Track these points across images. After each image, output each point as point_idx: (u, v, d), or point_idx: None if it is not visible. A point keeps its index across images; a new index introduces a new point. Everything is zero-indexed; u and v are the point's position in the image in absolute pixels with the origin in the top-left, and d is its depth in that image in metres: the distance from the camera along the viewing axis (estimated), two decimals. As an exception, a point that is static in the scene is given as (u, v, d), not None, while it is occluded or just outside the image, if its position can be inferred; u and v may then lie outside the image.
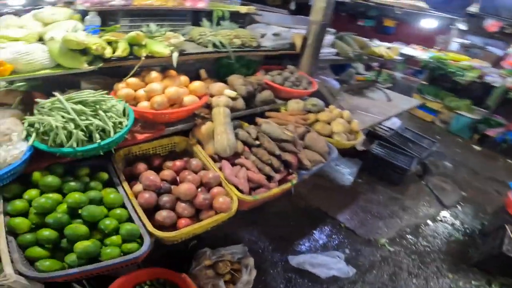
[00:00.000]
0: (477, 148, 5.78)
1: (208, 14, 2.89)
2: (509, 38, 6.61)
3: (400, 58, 4.86)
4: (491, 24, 6.09)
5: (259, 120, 2.42)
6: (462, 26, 6.57)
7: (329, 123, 2.65)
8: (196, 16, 2.88)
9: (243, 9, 3.09)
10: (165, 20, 2.68)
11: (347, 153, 4.59)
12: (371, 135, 4.68)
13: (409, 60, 7.14)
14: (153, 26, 2.44)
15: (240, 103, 2.42)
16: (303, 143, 2.37)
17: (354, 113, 3.51)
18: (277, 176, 2.12)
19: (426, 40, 7.64)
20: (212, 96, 2.42)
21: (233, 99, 2.43)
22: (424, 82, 6.66)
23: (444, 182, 4.68)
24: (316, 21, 2.91)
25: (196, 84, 2.28)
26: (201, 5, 2.84)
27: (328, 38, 3.67)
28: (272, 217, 3.25)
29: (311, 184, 3.92)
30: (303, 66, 3.13)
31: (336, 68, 4.42)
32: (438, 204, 4.16)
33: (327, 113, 2.69)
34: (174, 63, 2.19)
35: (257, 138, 2.22)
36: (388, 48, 4.43)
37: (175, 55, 2.22)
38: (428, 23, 7.30)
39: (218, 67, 2.78)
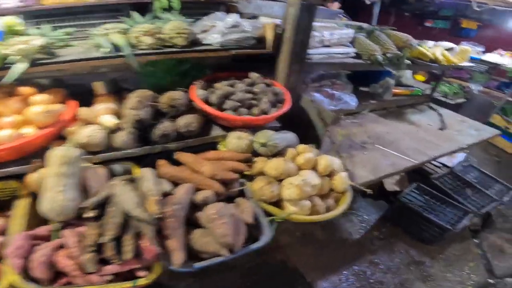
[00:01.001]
0: None
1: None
2: None
3: (471, 64, 2.97)
4: None
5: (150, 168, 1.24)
6: None
7: (280, 180, 1.31)
8: (139, 10, 1.79)
9: (204, -6, 1.89)
10: (93, 18, 1.69)
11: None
12: (415, 171, 3.00)
13: (493, 69, 4.85)
14: (47, 28, 1.47)
15: (121, 137, 1.27)
16: (200, 216, 1.12)
17: (369, 150, 2.01)
18: (109, 269, 0.95)
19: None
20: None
21: (114, 130, 1.31)
22: (510, 99, 4.36)
23: (508, 241, 2.79)
24: (294, 1, 1.55)
25: (36, 109, 1.21)
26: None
27: (348, 32, 2.21)
28: (227, 270, 2.12)
29: (301, 233, 2.59)
30: (280, 73, 1.79)
31: (365, 76, 2.85)
32: (485, 273, 2.47)
33: (275, 162, 1.29)
34: (7, 78, 1.17)
35: (104, 204, 1.08)
36: (449, 49, 2.65)
37: (18, 67, 1.19)
38: None
39: (142, 78, 1.66)
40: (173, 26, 1.48)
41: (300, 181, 1.21)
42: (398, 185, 3.07)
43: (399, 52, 2.22)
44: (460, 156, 3.20)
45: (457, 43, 5.76)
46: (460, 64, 2.59)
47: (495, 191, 2.93)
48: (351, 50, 2.17)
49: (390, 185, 3.07)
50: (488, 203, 2.67)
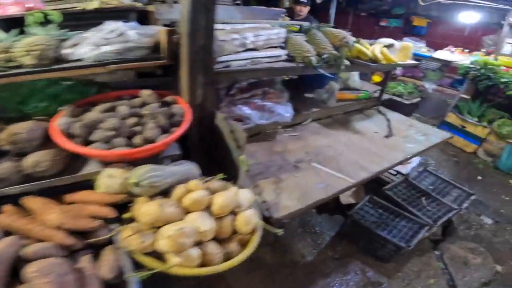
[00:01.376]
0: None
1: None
2: None
3: (414, 62, 2.78)
4: None
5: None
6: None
7: (159, 226, 1.00)
8: (12, 26, 1.43)
9: (92, 5, 1.56)
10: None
11: (326, 207, 2.81)
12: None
13: (445, 66, 4.86)
14: None
15: None
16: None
17: (302, 171, 1.74)
18: None
19: (469, 42, 5.20)
20: None
21: None
22: (464, 96, 4.33)
23: (472, 251, 2.63)
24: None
25: None
26: (13, 10, 1.46)
27: (278, 32, 1.95)
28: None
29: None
30: (183, 87, 1.50)
31: (310, 81, 2.63)
32: (447, 289, 2.28)
33: (148, 207, 0.96)
34: None
35: None
36: (388, 46, 2.47)
37: None
38: (470, 18, 4.90)
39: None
40: (25, 43, 1.14)
41: (174, 231, 0.90)
42: (354, 197, 2.85)
43: (335, 52, 2.00)
44: (415, 161, 3.05)
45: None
46: (401, 62, 2.40)
47: (453, 197, 2.79)
48: (283, 53, 1.92)
49: (346, 197, 2.85)
50: (445, 212, 2.50)
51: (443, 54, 4.64)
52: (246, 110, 1.90)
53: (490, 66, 3.75)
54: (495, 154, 3.73)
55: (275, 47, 1.95)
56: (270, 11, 3.23)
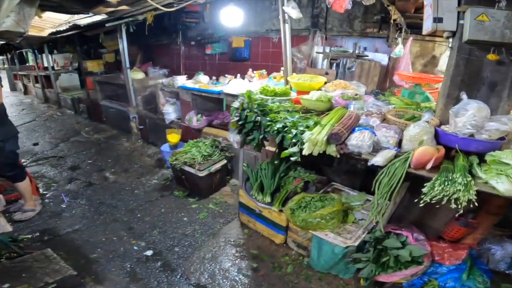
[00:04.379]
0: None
1: None
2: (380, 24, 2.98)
3: None
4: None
5: None
6: (295, 13, 2.78)
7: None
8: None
9: None
10: None
11: None
12: None
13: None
14: None
15: None
16: None
17: None
18: None
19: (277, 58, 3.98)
20: None
21: None
22: (269, 149, 3.01)
23: None
24: None
25: None
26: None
27: None
28: None
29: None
30: None
31: None
32: None
33: None
34: None
35: None
36: None
37: None
38: (234, 19, 3.77)
39: None
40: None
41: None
42: None
43: None
44: None
45: (237, 69, 4.48)
46: None
47: None
48: None
49: None
50: None
51: (235, 85, 3.30)
52: None
53: (259, 101, 2.38)
54: (306, 247, 2.37)
55: None
56: None
